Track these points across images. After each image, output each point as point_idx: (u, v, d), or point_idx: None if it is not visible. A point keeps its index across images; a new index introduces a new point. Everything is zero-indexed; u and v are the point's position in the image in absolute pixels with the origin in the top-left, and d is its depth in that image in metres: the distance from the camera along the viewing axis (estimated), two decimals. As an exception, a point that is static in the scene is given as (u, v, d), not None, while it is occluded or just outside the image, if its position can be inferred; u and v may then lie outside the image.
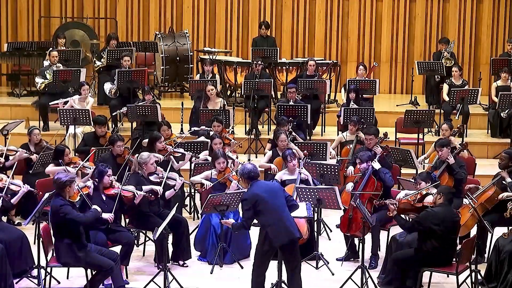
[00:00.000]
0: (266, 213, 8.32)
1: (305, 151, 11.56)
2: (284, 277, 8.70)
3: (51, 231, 8.79)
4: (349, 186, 10.35)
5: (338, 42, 17.99)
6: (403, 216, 9.35)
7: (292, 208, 8.64)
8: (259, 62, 14.89)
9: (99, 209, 8.87)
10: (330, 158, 12.18)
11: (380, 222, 9.83)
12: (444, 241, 8.66)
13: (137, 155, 10.25)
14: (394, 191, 10.26)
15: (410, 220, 9.25)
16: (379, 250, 9.97)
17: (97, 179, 9.44)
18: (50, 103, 13.99)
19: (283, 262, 8.57)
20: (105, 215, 9.00)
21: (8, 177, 10.11)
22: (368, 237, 9.79)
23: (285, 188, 10.25)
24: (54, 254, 8.86)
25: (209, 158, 11.47)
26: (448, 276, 9.41)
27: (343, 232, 10.09)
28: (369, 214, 9.24)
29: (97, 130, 12.28)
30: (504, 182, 9.99)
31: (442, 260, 8.73)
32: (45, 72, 14.63)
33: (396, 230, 9.63)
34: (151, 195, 9.63)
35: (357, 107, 13.67)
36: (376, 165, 10.14)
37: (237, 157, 11.91)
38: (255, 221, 8.53)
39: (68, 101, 13.65)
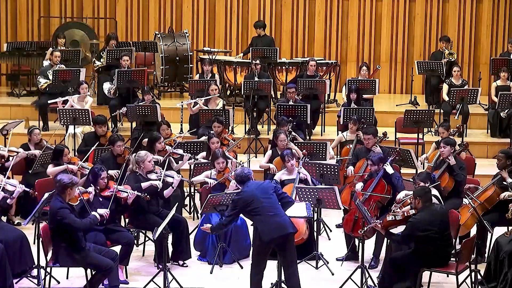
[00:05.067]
0: (258, 211, 8.35)
1: (304, 151, 11.54)
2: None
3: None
4: (359, 186, 10.17)
5: (338, 42, 17.98)
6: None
7: (287, 205, 8.67)
8: (258, 62, 14.89)
9: (97, 215, 8.82)
10: (329, 159, 12.16)
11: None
12: (439, 240, 8.63)
13: (134, 154, 10.24)
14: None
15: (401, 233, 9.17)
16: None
17: (91, 181, 9.43)
18: (49, 101, 13.97)
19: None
20: (100, 211, 8.96)
21: (4, 176, 10.08)
22: (371, 239, 9.78)
23: (283, 188, 10.28)
24: (52, 256, 8.82)
25: (203, 161, 11.47)
26: (448, 276, 9.40)
27: (347, 232, 10.07)
28: (369, 214, 9.22)
29: (97, 130, 12.27)
30: (504, 182, 9.97)
31: (440, 258, 8.72)
32: (47, 72, 14.62)
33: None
34: (146, 195, 9.59)
35: (357, 107, 13.66)
36: (389, 169, 10.03)
37: (236, 158, 11.92)
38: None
39: (67, 100, 13.64)
